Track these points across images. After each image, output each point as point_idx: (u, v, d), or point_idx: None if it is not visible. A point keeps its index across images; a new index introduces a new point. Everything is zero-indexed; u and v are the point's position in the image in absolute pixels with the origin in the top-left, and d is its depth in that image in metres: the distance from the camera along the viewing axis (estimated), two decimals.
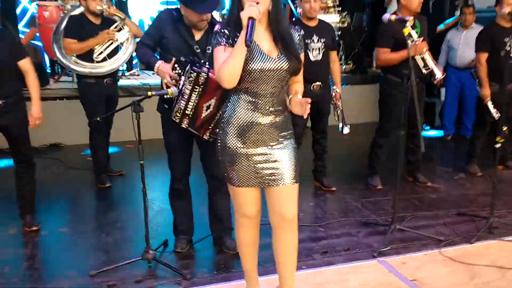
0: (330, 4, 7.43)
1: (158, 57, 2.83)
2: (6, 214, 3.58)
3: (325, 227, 3.47)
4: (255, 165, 2.14)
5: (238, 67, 2.00)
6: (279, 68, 2.08)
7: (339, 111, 4.05)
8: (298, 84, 2.26)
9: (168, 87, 2.67)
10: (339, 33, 7.44)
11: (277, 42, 2.12)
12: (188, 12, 2.70)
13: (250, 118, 2.12)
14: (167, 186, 3.09)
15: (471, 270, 2.82)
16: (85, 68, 4.12)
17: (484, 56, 4.29)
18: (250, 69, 2.05)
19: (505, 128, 3.27)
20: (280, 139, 2.17)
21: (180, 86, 2.56)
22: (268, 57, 2.07)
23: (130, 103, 2.70)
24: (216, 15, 6.60)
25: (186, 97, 2.54)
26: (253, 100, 2.11)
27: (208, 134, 2.68)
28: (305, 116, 2.06)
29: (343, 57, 7.45)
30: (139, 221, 3.06)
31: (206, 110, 2.59)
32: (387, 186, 4.16)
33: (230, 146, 2.15)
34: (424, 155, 5.03)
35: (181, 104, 2.57)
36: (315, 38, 3.82)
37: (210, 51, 2.69)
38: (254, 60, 2.05)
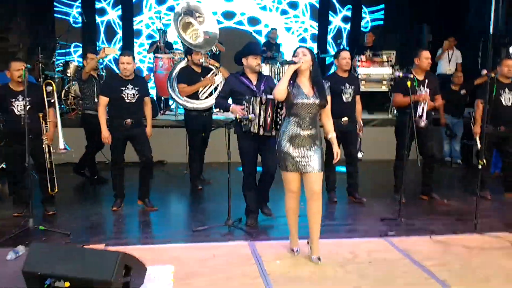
0: (385, 60, 8.92)
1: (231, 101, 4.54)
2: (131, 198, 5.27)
3: (353, 219, 4.86)
4: (297, 159, 3.63)
5: (283, 85, 3.52)
6: (313, 103, 3.60)
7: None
8: (328, 120, 3.76)
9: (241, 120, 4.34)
10: (392, 83, 8.85)
11: (313, 88, 3.65)
12: (249, 59, 4.37)
13: (296, 132, 3.63)
14: (240, 188, 4.64)
15: (447, 247, 4.06)
16: (193, 104, 5.85)
17: (482, 102, 5.52)
18: (297, 102, 3.58)
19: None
20: (312, 145, 3.65)
21: (252, 111, 4.20)
22: (307, 96, 3.60)
23: (224, 124, 4.36)
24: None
25: (257, 115, 4.18)
26: (298, 121, 3.62)
27: (274, 132, 4.25)
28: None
29: None
30: (223, 207, 4.61)
31: (269, 118, 4.21)
32: (407, 199, 5.44)
33: (283, 147, 3.66)
34: (450, 183, 6.26)
35: (256, 121, 4.21)
36: (347, 85, 5.25)
37: (264, 86, 4.39)
38: (300, 97, 3.59)
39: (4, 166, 6.52)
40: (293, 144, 3.63)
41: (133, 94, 4.86)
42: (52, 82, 4.92)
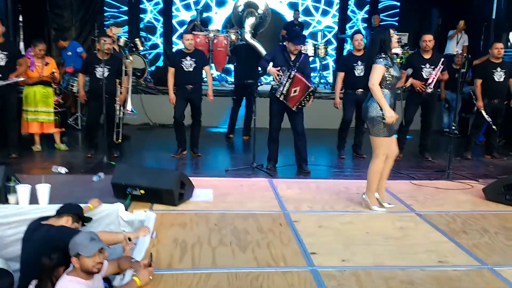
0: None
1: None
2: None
3: (352, 169, 6.11)
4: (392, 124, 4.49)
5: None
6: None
7: None
8: None
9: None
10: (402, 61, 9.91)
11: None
12: (289, 44, 5.51)
13: (391, 101, 4.33)
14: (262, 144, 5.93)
15: (420, 187, 5.27)
16: None
17: (479, 81, 6.60)
18: (395, 75, 4.34)
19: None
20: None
21: (280, 80, 5.39)
22: (399, 70, 4.51)
23: (248, 91, 5.64)
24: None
25: (283, 84, 5.37)
26: (392, 92, 4.37)
27: (295, 107, 5.44)
28: None
29: None
30: (249, 156, 5.91)
31: (294, 93, 5.37)
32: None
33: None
34: (444, 148, 7.42)
35: (281, 88, 5.40)
36: (359, 62, 6.39)
37: (298, 63, 5.45)
38: (398, 72, 4.36)
39: (70, 121, 8.01)
40: None
41: (190, 64, 6.11)
42: (130, 56, 6.26)
